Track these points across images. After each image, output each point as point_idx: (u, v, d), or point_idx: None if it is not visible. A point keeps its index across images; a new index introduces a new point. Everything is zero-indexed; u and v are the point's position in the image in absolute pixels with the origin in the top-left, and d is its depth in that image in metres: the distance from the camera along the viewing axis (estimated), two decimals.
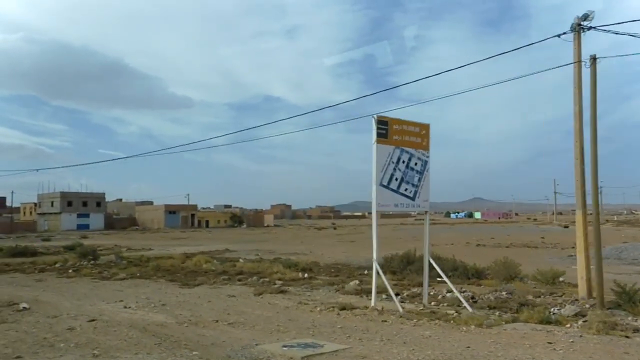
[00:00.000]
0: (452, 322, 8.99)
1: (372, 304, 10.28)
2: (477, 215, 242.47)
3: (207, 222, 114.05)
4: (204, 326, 9.14)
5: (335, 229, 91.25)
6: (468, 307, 10.14)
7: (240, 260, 26.05)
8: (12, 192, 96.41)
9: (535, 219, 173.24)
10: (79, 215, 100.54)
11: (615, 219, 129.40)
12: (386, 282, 10.46)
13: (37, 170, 29.90)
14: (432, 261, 10.98)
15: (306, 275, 17.96)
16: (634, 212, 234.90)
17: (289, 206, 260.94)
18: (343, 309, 10.36)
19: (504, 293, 12.14)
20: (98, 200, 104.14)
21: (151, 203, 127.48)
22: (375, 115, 10.14)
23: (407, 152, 10.63)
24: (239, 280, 16.80)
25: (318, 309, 10.56)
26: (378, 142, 10.15)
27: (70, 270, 21.31)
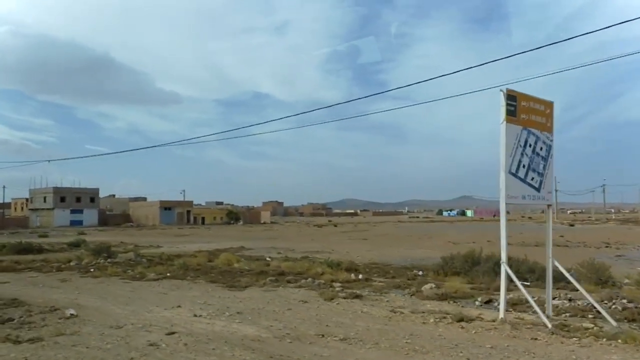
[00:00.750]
0: (618, 340, 7.38)
1: (501, 316, 8.65)
2: (470, 213, 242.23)
3: (203, 218, 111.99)
4: (312, 342, 7.51)
5: (335, 226, 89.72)
6: (611, 321, 8.53)
7: (267, 258, 24.39)
8: (4, 187, 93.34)
9: (530, 217, 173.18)
10: (72, 211, 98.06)
11: (613, 217, 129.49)
12: (523, 290, 8.81)
13: (49, 161, 27.76)
14: (558, 265, 9.31)
15: (360, 276, 16.32)
16: (622, 210, 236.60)
17: (281, 203, 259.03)
18: (460, 320, 8.75)
19: (624, 300, 10.59)
20: (92, 196, 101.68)
21: (145, 199, 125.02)
22: (504, 89, 8.52)
23: (533, 134, 9.04)
24: (289, 282, 15.13)
25: (432, 320, 8.94)
26: (507, 120, 8.53)
27: (92, 269, 19.51)
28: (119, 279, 16.78)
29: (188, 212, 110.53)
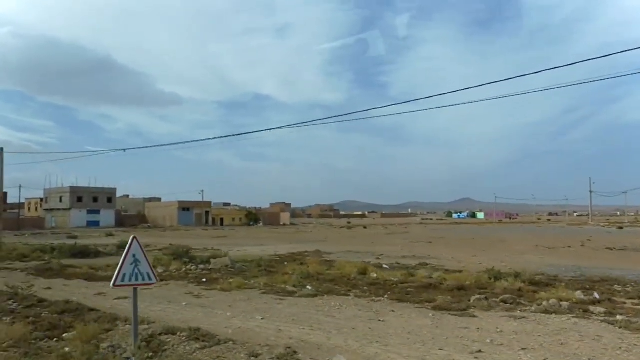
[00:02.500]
0: None
1: None
2: (480, 215, 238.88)
3: (221, 220, 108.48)
4: None
5: (365, 227, 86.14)
6: None
7: (385, 266, 20.90)
8: (20, 187, 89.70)
9: (548, 220, 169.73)
10: (89, 212, 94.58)
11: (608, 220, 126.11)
12: None
13: (125, 150, 24.61)
14: None
15: (596, 295, 12.79)
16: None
17: (289, 205, 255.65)
18: None
19: None
20: (109, 196, 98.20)
21: (159, 200, 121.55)
22: None
23: None
24: (504, 302, 11.71)
25: None
26: None
27: (203, 280, 16.07)
28: (260, 292, 13.41)
29: (207, 213, 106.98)
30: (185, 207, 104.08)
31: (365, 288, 14.19)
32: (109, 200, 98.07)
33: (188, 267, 19.83)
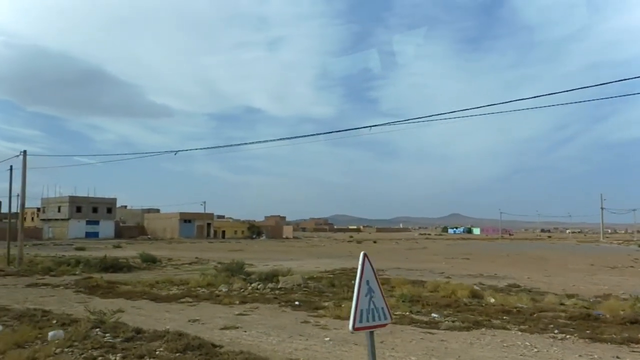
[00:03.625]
0: None
1: None
2: (476, 231, 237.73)
3: (223, 232, 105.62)
4: None
5: (375, 242, 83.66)
6: None
7: (478, 287, 18.56)
8: (18, 195, 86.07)
9: (549, 237, 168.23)
10: (88, 222, 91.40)
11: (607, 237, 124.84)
12: None
13: (175, 153, 22.01)
14: None
15: None
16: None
17: (284, 218, 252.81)
18: None
19: None
20: (109, 206, 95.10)
21: (158, 211, 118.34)
22: None
23: None
24: None
25: None
26: None
27: (296, 302, 13.63)
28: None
29: (209, 224, 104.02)
30: (186, 219, 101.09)
31: (504, 318, 11.87)
32: (109, 210, 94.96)
33: (253, 285, 17.40)
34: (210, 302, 13.93)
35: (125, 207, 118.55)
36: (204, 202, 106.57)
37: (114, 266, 25.15)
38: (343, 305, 12.65)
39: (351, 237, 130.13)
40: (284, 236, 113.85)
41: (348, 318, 10.73)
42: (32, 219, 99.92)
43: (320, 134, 19.83)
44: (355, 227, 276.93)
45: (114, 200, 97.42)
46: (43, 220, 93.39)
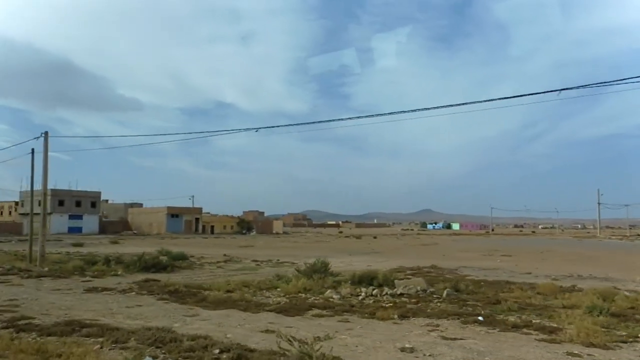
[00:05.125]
0: None
1: None
2: (456, 226, 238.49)
3: (212, 227, 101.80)
4: None
5: (375, 238, 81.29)
6: None
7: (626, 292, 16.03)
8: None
9: (533, 232, 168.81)
10: (71, 217, 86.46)
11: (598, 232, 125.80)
12: None
13: (257, 130, 18.57)
14: None
15: None
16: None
17: (262, 213, 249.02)
18: None
19: None
20: (93, 200, 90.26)
21: (141, 205, 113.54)
22: None
23: None
24: None
25: None
26: None
27: (479, 317, 10.85)
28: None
29: (197, 219, 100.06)
30: (174, 214, 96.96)
31: None
32: (93, 205, 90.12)
33: (367, 291, 14.53)
34: (357, 316, 11.07)
35: (107, 201, 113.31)
36: (192, 197, 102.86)
37: (155, 265, 21.91)
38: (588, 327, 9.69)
39: (340, 232, 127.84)
40: (273, 231, 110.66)
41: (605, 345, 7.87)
42: (10, 213, 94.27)
43: (300, 124, 17.07)
44: (333, 222, 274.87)
45: (99, 193, 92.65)
46: (22, 214, 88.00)
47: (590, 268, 25.35)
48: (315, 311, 11.64)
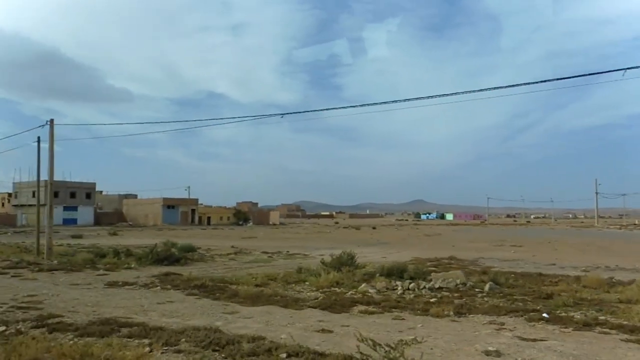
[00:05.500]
0: None
1: None
2: (449, 216, 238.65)
3: (208, 218, 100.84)
4: None
5: (374, 228, 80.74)
6: None
7: None
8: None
9: (528, 221, 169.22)
10: (66, 208, 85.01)
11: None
12: None
13: (282, 115, 18.77)
14: None
15: None
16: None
17: (256, 204, 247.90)
18: None
19: None
20: (88, 192, 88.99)
21: (135, 196, 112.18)
22: None
23: None
24: None
25: None
26: None
27: (544, 314, 10.16)
28: None
29: (193, 210, 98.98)
30: (170, 205, 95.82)
31: None
32: (88, 196, 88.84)
33: (404, 285, 13.81)
34: (409, 312, 10.35)
35: (101, 192, 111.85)
36: (188, 187, 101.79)
37: (168, 258, 21.09)
38: None
39: (336, 222, 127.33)
40: (270, 222, 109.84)
41: None
42: (3, 204, 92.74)
43: (300, 112, 16.44)
44: (327, 213, 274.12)
45: (93, 184, 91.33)
46: (15, 206, 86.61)
47: (611, 259, 24.81)
48: (361, 307, 10.92)
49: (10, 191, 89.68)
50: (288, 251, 29.88)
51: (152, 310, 10.44)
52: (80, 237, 45.80)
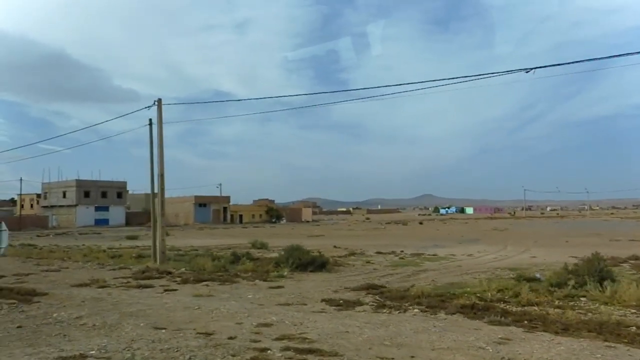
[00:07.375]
0: None
1: None
2: (469, 210, 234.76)
3: (240, 216, 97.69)
4: None
5: (421, 223, 77.21)
6: None
7: None
8: (21, 180, 75.78)
9: (558, 214, 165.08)
10: (97, 209, 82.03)
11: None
12: None
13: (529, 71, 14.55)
14: None
15: None
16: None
17: (273, 201, 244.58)
18: None
19: None
20: (119, 191, 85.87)
21: None
22: None
23: None
24: None
25: None
26: None
27: None
28: None
29: (224, 209, 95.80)
30: (202, 203, 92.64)
31: None
32: (119, 195, 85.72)
33: (565, 292, 10.28)
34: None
35: (128, 191, 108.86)
36: (220, 185, 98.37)
37: (312, 262, 17.70)
38: None
39: (367, 218, 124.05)
40: (303, 219, 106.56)
41: None
42: (32, 206, 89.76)
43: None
44: (344, 209, 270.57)
45: (124, 183, 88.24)
46: (45, 207, 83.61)
47: None
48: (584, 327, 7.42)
49: (38, 192, 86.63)
50: (402, 250, 26.35)
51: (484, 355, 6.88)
52: (135, 238, 42.54)
